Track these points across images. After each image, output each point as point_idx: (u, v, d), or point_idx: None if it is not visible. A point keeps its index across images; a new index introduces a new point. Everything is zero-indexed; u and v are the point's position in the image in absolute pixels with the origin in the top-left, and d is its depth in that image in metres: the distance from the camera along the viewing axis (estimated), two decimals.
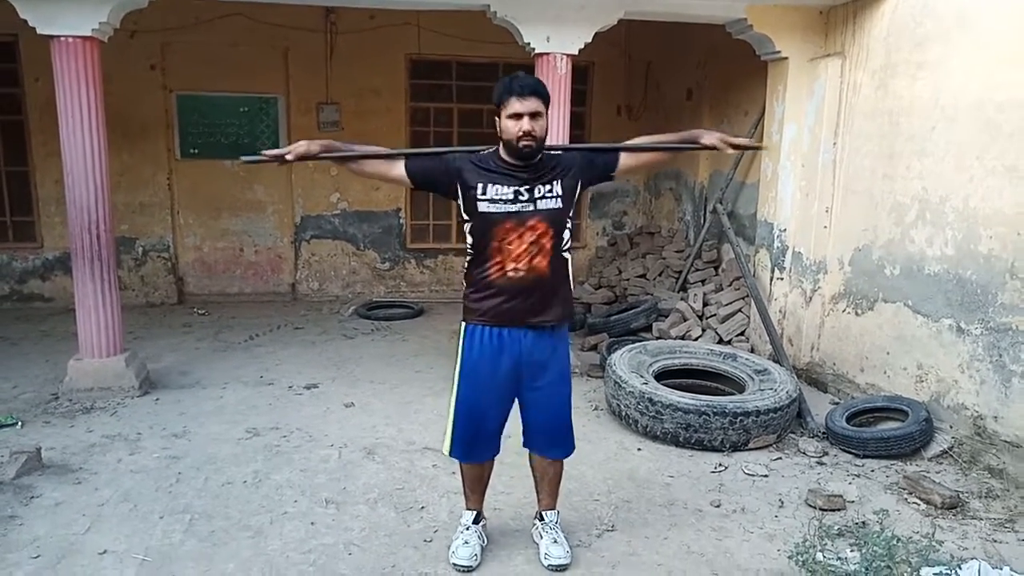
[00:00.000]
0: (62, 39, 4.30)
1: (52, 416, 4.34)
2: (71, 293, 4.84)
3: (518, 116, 2.57)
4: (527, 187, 2.65)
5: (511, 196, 2.64)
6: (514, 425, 2.91)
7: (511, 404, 2.87)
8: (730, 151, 2.84)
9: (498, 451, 2.95)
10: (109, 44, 4.60)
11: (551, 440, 2.91)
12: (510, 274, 2.67)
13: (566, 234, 2.75)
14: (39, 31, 4.30)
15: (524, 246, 2.66)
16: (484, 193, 2.65)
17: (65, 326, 5.94)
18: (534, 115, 2.57)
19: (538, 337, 2.75)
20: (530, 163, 2.65)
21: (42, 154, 6.84)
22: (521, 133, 2.56)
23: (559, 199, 2.70)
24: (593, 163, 2.84)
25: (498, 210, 2.64)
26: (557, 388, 2.83)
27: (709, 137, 2.81)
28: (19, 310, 6.94)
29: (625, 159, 2.86)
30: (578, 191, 2.77)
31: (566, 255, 2.78)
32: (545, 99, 2.63)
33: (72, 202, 4.48)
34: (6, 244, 7.07)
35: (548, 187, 2.68)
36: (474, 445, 2.87)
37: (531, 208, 2.65)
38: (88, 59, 4.36)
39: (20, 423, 4.20)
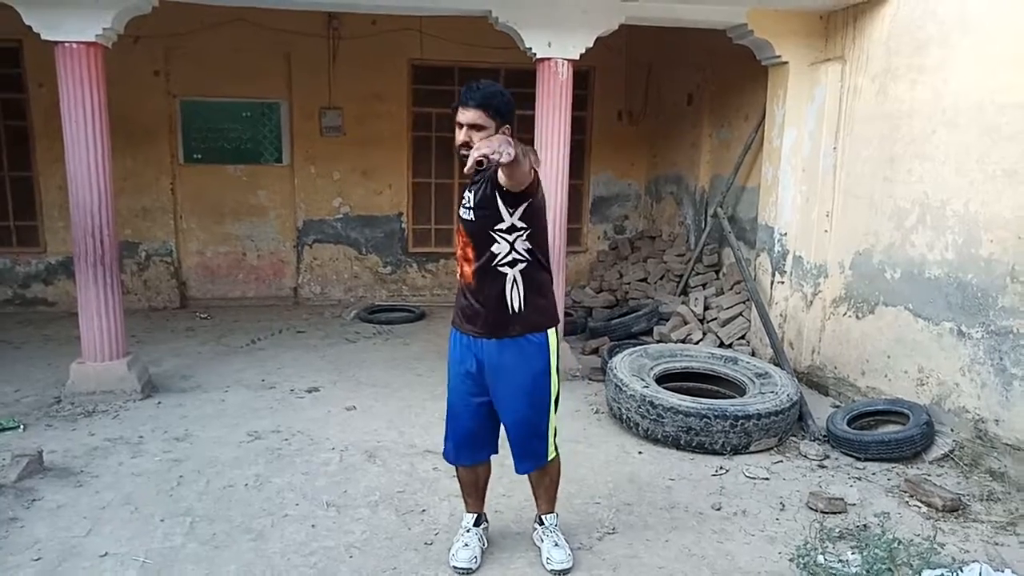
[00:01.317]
0: (66, 44, 4.33)
1: (54, 419, 4.35)
2: (74, 297, 4.86)
3: (459, 126, 2.60)
4: (471, 195, 2.69)
5: (467, 202, 2.70)
6: None
7: (487, 410, 2.84)
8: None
9: (488, 457, 2.95)
10: (113, 49, 4.63)
11: (521, 451, 2.85)
12: (458, 279, 2.78)
13: (497, 247, 2.62)
14: (43, 37, 4.33)
15: (458, 251, 2.75)
16: (463, 199, 2.73)
17: (68, 330, 5.96)
18: (473, 127, 2.57)
19: (499, 345, 2.72)
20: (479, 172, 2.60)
21: (46, 159, 6.87)
22: (458, 144, 2.60)
23: (471, 211, 2.65)
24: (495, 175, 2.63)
25: (459, 214, 2.73)
26: (519, 399, 2.75)
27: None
28: (22, 314, 6.96)
29: (499, 174, 2.54)
30: (500, 203, 2.56)
31: (503, 269, 2.65)
32: (493, 110, 2.56)
33: (75, 207, 4.51)
34: (10, 249, 7.10)
35: (475, 196, 2.65)
36: (458, 446, 2.90)
37: (467, 216, 2.68)
38: (92, 64, 4.39)
39: (22, 426, 4.21)
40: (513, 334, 2.71)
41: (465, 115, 2.58)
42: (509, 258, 2.66)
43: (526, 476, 3.02)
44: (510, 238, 2.63)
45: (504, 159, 2.21)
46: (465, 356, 2.78)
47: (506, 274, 2.67)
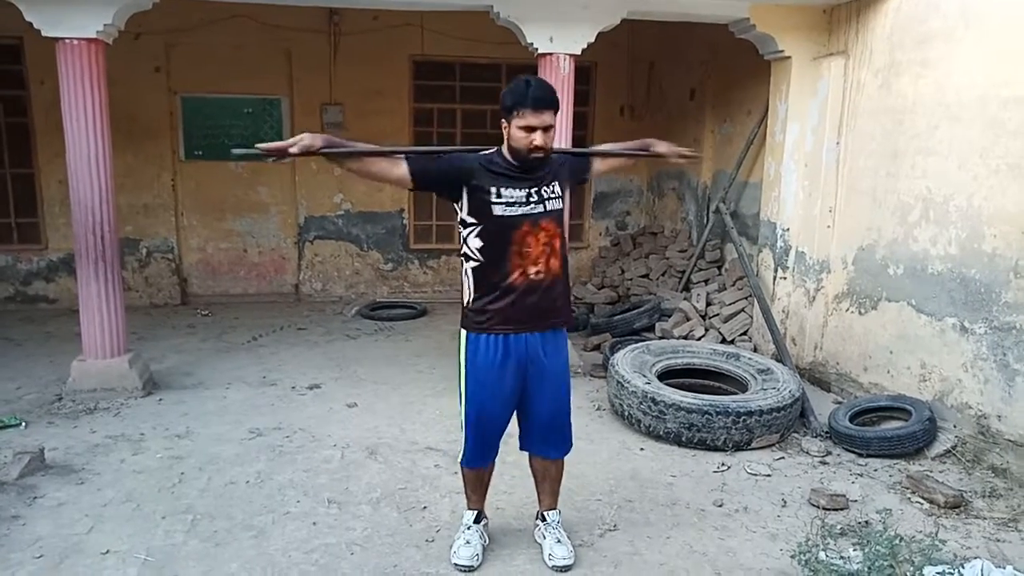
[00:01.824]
0: (67, 41, 4.32)
1: (56, 417, 4.35)
2: (75, 294, 4.86)
3: (531, 129, 2.54)
4: (535, 188, 2.65)
5: (524, 198, 2.62)
6: (513, 425, 2.91)
7: (515, 407, 2.86)
8: (677, 160, 3.10)
9: (498, 454, 2.95)
10: (114, 46, 4.62)
11: (552, 438, 2.89)
12: (532, 277, 2.65)
13: (566, 234, 2.79)
14: (44, 33, 4.32)
15: (540, 248, 2.65)
16: (499, 196, 2.61)
17: (69, 327, 5.96)
18: (547, 128, 2.56)
19: (543, 338, 2.75)
20: (528, 166, 2.64)
21: (47, 156, 6.87)
22: (533, 146, 2.56)
23: (560, 199, 2.72)
24: (575, 166, 2.91)
25: (514, 213, 2.61)
26: (559, 385, 2.84)
27: (660, 146, 3.02)
28: (23, 311, 6.96)
29: (596, 163, 2.99)
30: (567, 193, 2.81)
31: (567, 255, 2.81)
32: (557, 108, 2.62)
33: (76, 203, 4.50)
34: (11, 246, 7.10)
35: (550, 188, 2.68)
36: (485, 452, 2.88)
37: (542, 209, 2.64)
38: (93, 61, 4.38)
39: (24, 424, 4.21)
40: (563, 319, 2.83)
41: (541, 118, 2.53)
42: (567, 245, 2.80)
43: (529, 473, 3.03)
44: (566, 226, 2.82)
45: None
46: (507, 358, 2.70)
47: (567, 259, 2.81)
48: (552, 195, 2.68)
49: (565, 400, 2.88)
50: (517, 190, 2.62)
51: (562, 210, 2.74)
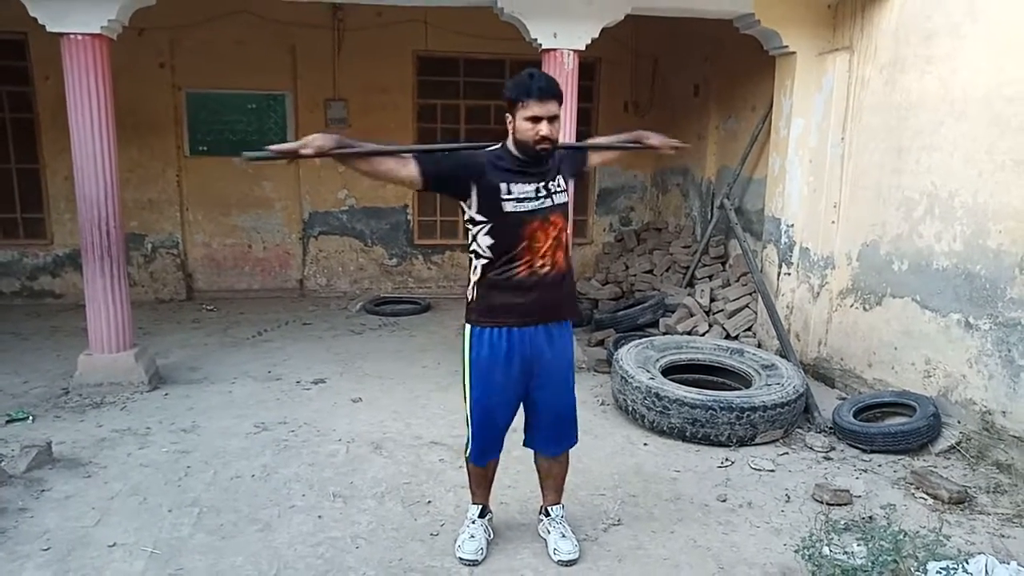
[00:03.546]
0: (72, 37, 4.33)
1: (62, 411, 4.37)
2: (81, 289, 4.87)
3: (537, 119, 2.53)
4: (543, 183, 2.65)
5: (533, 193, 2.62)
6: (519, 419, 2.92)
7: (520, 402, 2.86)
8: (668, 151, 3.10)
9: (501, 451, 2.96)
10: (118, 42, 4.63)
11: (558, 433, 2.90)
12: (540, 271, 2.65)
13: (568, 227, 2.80)
14: (48, 29, 4.33)
15: (549, 242, 2.65)
16: (509, 193, 2.59)
17: (75, 322, 5.98)
18: (552, 119, 2.55)
19: (548, 332, 2.75)
20: (535, 160, 2.64)
21: (52, 151, 6.89)
22: (540, 137, 2.54)
23: (565, 193, 2.74)
24: (572, 159, 2.91)
25: (524, 208, 2.60)
26: (564, 379, 2.84)
27: (653, 138, 3.00)
28: (30, 306, 6.99)
29: (592, 157, 3.02)
30: (569, 187, 2.82)
31: (570, 248, 2.83)
32: (562, 100, 2.62)
33: (82, 199, 4.52)
34: (17, 241, 7.13)
35: (555, 181, 2.69)
36: (491, 447, 2.88)
37: (550, 203, 2.65)
38: (97, 56, 4.39)
39: (31, 417, 4.24)
40: (568, 313, 2.84)
41: (546, 108, 2.52)
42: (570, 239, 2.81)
43: (533, 467, 3.03)
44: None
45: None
46: (511, 353, 2.70)
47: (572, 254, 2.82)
48: (559, 188, 2.70)
49: (570, 394, 2.88)
50: (526, 185, 2.61)
51: (567, 203, 2.76)
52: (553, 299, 2.72)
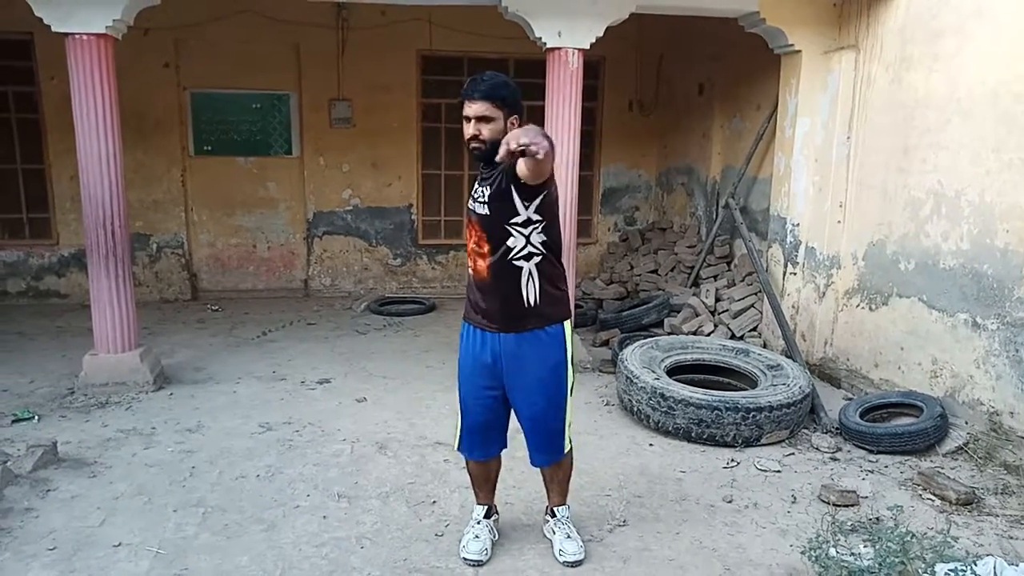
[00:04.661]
0: (77, 36, 4.34)
1: (68, 410, 4.38)
2: (86, 289, 4.88)
3: (467, 119, 2.58)
4: (483, 188, 2.66)
5: (477, 195, 2.67)
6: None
7: (500, 403, 2.83)
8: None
9: (498, 452, 2.96)
10: (123, 42, 4.64)
11: (533, 444, 2.86)
12: (471, 274, 2.74)
13: (512, 241, 2.60)
14: (54, 29, 4.34)
15: (471, 246, 2.71)
16: (472, 192, 2.71)
17: (80, 322, 5.99)
18: (481, 119, 2.55)
19: (516, 339, 2.72)
20: (490, 165, 2.61)
21: (58, 151, 6.90)
22: (467, 136, 2.59)
23: (485, 205, 2.62)
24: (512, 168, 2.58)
25: (470, 208, 2.70)
26: (537, 392, 2.75)
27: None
28: (35, 306, 7.01)
29: (519, 168, 2.49)
30: (516, 196, 2.55)
31: (519, 263, 2.63)
32: (499, 101, 2.54)
33: (87, 199, 4.52)
34: (23, 241, 7.14)
35: (482, 191, 2.65)
36: (475, 444, 2.89)
37: (474, 209, 2.67)
38: (102, 56, 4.39)
39: (37, 417, 4.25)
40: (530, 327, 2.71)
41: (472, 108, 2.56)
42: (525, 252, 2.63)
43: (538, 468, 3.02)
44: (526, 231, 2.61)
45: (540, 153, 2.20)
46: (480, 349, 2.76)
47: (522, 268, 2.65)
48: (480, 198, 2.64)
49: (549, 407, 2.77)
50: (478, 186, 2.68)
51: (486, 216, 2.60)
52: (484, 304, 2.71)
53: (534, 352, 2.72)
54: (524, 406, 2.79)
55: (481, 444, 2.90)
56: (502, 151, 2.24)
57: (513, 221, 2.60)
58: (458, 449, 2.94)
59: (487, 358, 2.75)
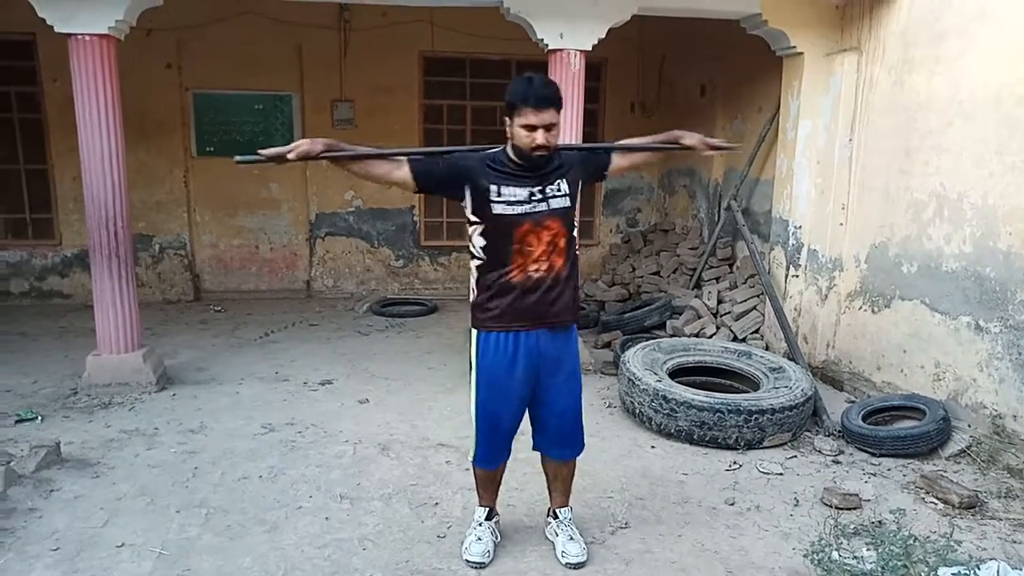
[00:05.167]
0: (79, 37, 4.35)
1: (71, 411, 4.39)
2: (89, 290, 4.89)
3: (532, 128, 2.52)
4: (539, 187, 2.63)
5: (525, 197, 2.61)
6: (526, 422, 2.91)
7: (525, 407, 2.85)
8: (708, 152, 2.96)
9: (510, 455, 2.96)
10: (126, 42, 4.64)
11: (563, 439, 2.89)
12: (532, 275, 2.64)
13: (575, 232, 2.74)
14: (56, 29, 4.34)
15: (543, 247, 2.63)
16: (499, 195, 2.60)
17: (83, 322, 6.01)
18: (549, 127, 2.53)
19: (552, 336, 2.74)
20: (534, 165, 2.62)
21: (60, 152, 6.91)
22: (536, 145, 2.54)
23: (567, 197, 2.67)
24: (590, 162, 2.84)
25: (514, 212, 2.60)
26: (570, 385, 2.82)
27: (689, 138, 2.86)
28: (38, 306, 7.02)
29: (617, 159, 2.87)
30: (579, 189, 2.73)
31: (577, 253, 2.77)
32: (560, 106, 2.58)
33: (90, 199, 4.53)
34: (26, 241, 7.16)
35: (556, 186, 2.66)
36: (497, 451, 2.88)
37: (545, 208, 2.62)
38: (105, 57, 4.40)
39: (40, 418, 4.25)
40: (571, 319, 2.80)
41: (542, 116, 2.50)
42: (577, 243, 2.75)
43: (541, 470, 3.03)
44: (576, 222, 2.74)
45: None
46: (517, 357, 2.71)
47: (577, 257, 2.77)
48: (557, 193, 2.65)
49: (577, 400, 2.87)
50: (519, 188, 2.61)
51: (569, 208, 2.67)
52: (546, 304, 2.68)
53: (567, 346, 2.80)
54: (557, 401, 2.81)
55: (504, 452, 2.90)
56: (707, 142, 2.83)
57: (574, 214, 2.72)
58: (475, 462, 2.91)
59: (527, 364, 2.71)
